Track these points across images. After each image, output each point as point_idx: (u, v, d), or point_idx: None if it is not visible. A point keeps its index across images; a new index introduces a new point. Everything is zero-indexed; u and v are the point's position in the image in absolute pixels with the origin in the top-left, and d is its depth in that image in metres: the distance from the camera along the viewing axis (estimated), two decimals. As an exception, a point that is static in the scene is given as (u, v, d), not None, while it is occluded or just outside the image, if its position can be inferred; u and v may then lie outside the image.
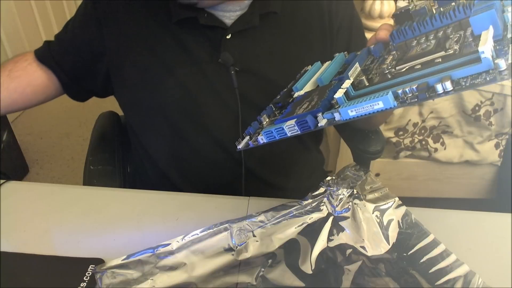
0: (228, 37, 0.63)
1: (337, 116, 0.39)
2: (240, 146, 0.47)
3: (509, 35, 0.36)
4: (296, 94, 0.50)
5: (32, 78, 0.69)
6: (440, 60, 0.38)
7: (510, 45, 0.35)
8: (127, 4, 0.65)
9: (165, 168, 0.72)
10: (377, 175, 1.50)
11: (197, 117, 0.66)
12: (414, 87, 0.35)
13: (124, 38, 0.65)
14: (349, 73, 0.45)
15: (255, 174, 0.70)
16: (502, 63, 0.32)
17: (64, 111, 2.05)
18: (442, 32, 0.43)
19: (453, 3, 0.44)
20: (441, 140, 1.43)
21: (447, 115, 1.37)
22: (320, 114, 0.41)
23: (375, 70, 0.45)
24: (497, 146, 1.44)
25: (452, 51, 0.38)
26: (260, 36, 0.65)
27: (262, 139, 0.44)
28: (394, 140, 1.42)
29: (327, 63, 0.54)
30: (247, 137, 0.48)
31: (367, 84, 0.42)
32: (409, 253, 0.49)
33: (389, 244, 0.50)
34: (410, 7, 0.47)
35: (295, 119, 0.42)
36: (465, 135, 1.42)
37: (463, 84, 0.34)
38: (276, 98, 0.53)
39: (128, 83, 0.67)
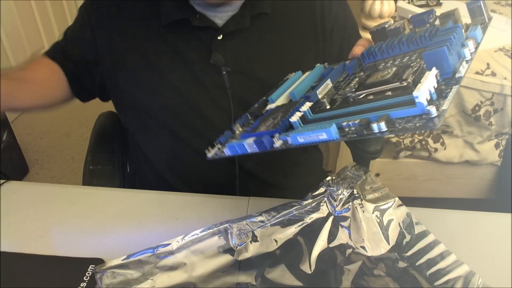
0: (219, 38, 0.63)
1: (289, 140, 0.39)
2: (209, 155, 0.47)
3: (457, 74, 0.35)
4: (268, 106, 0.50)
5: (48, 75, 0.69)
6: (390, 93, 0.38)
7: (452, 88, 0.34)
8: (118, 9, 0.65)
9: (162, 169, 0.72)
10: (377, 175, 1.50)
11: (191, 118, 0.66)
12: (356, 121, 0.35)
13: (116, 43, 0.66)
14: (318, 91, 0.45)
15: (253, 173, 0.70)
16: (433, 110, 0.32)
17: (64, 111, 2.04)
18: (407, 58, 0.42)
19: (427, 25, 0.44)
20: (441, 140, 1.43)
21: (447, 115, 1.37)
22: (277, 135, 0.41)
23: (341, 91, 0.45)
24: (497, 146, 1.44)
25: (405, 83, 0.38)
26: (251, 36, 0.65)
27: (226, 152, 0.45)
28: (394, 140, 1.42)
29: (306, 73, 0.54)
30: (218, 146, 0.48)
31: (328, 108, 0.42)
32: (409, 253, 0.49)
33: (389, 244, 0.50)
34: (387, 26, 0.46)
35: (254, 138, 0.42)
36: (465, 135, 1.42)
37: (397, 126, 0.33)
38: (253, 107, 0.53)
39: (122, 87, 0.67)
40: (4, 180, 0.61)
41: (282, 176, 0.74)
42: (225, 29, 0.63)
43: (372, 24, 1.36)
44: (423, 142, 1.43)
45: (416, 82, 0.37)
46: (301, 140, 0.38)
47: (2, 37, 1.87)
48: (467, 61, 0.37)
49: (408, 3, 1.59)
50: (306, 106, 0.42)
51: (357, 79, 0.45)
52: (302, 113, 0.41)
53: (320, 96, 0.44)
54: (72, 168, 1.76)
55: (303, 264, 0.48)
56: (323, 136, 0.36)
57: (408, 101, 0.34)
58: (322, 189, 0.55)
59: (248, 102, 0.63)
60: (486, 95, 1.33)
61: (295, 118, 0.41)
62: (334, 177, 0.56)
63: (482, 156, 1.44)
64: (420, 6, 1.59)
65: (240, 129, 0.49)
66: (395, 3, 1.43)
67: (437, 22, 0.44)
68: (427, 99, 0.33)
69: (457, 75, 0.35)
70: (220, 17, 0.64)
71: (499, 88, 1.30)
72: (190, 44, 0.64)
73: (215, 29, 0.63)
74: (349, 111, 0.38)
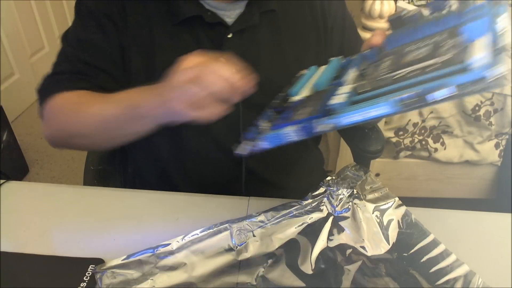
0: (229, 36, 0.63)
1: (335, 122, 0.40)
2: (239, 151, 0.47)
3: (499, 44, 0.37)
4: (293, 99, 0.50)
5: None
6: (434, 67, 0.39)
7: (501, 53, 0.35)
8: (129, 5, 0.64)
9: (166, 169, 0.72)
10: (377, 175, 1.50)
11: None
12: (410, 94, 0.36)
13: (127, 39, 0.65)
14: (345, 79, 0.45)
15: (255, 173, 0.70)
16: (491, 73, 0.33)
17: (64, 111, 2.04)
18: (436, 38, 0.43)
19: (446, 9, 0.45)
20: (441, 140, 1.43)
21: (447, 115, 1.37)
22: (319, 120, 0.41)
23: (371, 76, 0.45)
24: (497, 146, 1.44)
25: (445, 59, 0.39)
26: (259, 34, 0.66)
27: (263, 144, 0.45)
28: (394, 140, 1.42)
29: (323, 67, 0.55)
30: (246, 142, 0.48)
31: (363, 90, 0.43)
32: (409, 253, 0.49)
33: (389, 244, 0.50)
34: (402, 14, 0.48)
35: (296, 125, 0.42)
36: (465, 135, 1.42)
37: (456, 92, 0.35)
38: (273, 103, 0.53)
39: (127, 87, 0.66)
40: (4, 180, 0.61)
41: (283, 175, 0.74)
42: (235, 27, 0.64)
43: (372, 24, 1.36)
44: (423, 142, 1.43)
45: (455, 57, 0.38)
46: (349, 120, 0.39)
47: (2, 37, 1.87)
48: (504, 33, 0.38)
49: (408, 3, 1.59)
50: (344, 89, 0.43)
51: (386, 62, 0.46)
52: (341, 96, 0.42)
53: (348, 84, 0.45)
54: (72, 168, 1.76)
55: (303, 264, 0.48)
56: (375, 112, 0.38)
57: (461, 69, 0.35)
58: (322, 189, 0.55)
59: (255, 101, 0.63)
60: (486, 95, 1.33)
61: (335, 100, 0.41)
62: (334, 177, 0.56)
63: (482, 156, 1.44)
64: (420, 6, 1.59)
65: (266, 124, 0.49)
66: (395, 3, 1.43)
67: (453, 8, 0.45)
68: (480, 65, 0.34)
69: (499, 45, 0.37)
70: (229, 16, 0.64)
71: (499, 88, 1.30)
72: (200, 42, 0.64)
73: (226, 27, 0.64)
74: (394, 88, 0.39)
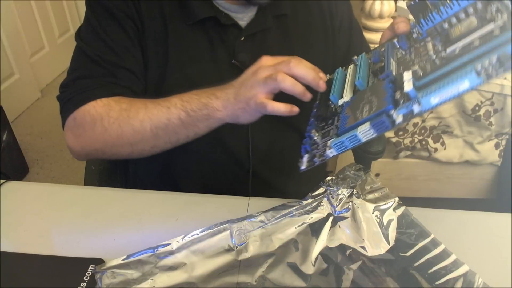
0: (242, 39, 0.63)
1: (416, 109, 0.38)
2: (303, 167, 0.47)
3: None
4: (339, 103, 0.49)
5: None
6: (498, 31, 0.38)
7: None
8: (144, 4, 0.63)
9: (169, 169, 0.72)
10: (377, 175, 1.50)
11: None
12: (494, 59, 0.35)
13: (144, 38, 0.64)
14: (391, 68, 0.45)
15: (257, 175, 0.70)
16: None
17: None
18: (472, 8, 0.42)
19: None
20: (441, 140, 1.43)
21: (447, 115, 1.37)
22: (392, 112, 0.40)
23: (419, 59, 0.45)
24: (497, 146, 1.44)
25: (503, 21, 0.38)
26: (270, 38, 0.66)
27: (331, 152, 0.44)
28: (394, 140, 1.42)
29: (351, 67, 0.54)
30: (306, 155, 0.47)
31: (423, 73, 0.42)
32: (409, 253, 0.49)
33: (389, 244, 0.50)
34: None
35: (368, 123, 0.41)
36: (465, 135, 1.42)
37: None
38: (314, 112, 0.52)
39: (146, 83, 0.66)
40: (4, 180, 0.61)
41: (284, 178, 0.74)
42: (248, 30, 0.64)
43: (372, 24, 1.36)
44: (423, 142, 1.43)
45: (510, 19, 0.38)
46: (435, 100, 0.37)
47: (2, 37, 1.87)
48: None
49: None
50: (408, 75, 0.42)
51: (429, 43, 0.45)
52: (410, 81, 0.40)
53: (396, 73, 0.45)
54: (72, 168, 1.76)
55: (303, 264, 0.48)
56: (464, 85, 0.36)
57: None
58: (322, 189, 0.55)
59: None
60: (486, 95, 1.33)
61: (408, 87, 0.40)
62: (334, 177, 0.56)
63: (482, 156, 1.44)
64: None
65: (318, 133, 0.49)
66: (395, 3, 1.43)
67: None
68: None
69: None
70: (241, 18, 0.64)
71: (499, 88, 1.30)
72: (213, 43, 0.63)
73: (239, 29, 0.63)
74: (468, 59, 0.38)
